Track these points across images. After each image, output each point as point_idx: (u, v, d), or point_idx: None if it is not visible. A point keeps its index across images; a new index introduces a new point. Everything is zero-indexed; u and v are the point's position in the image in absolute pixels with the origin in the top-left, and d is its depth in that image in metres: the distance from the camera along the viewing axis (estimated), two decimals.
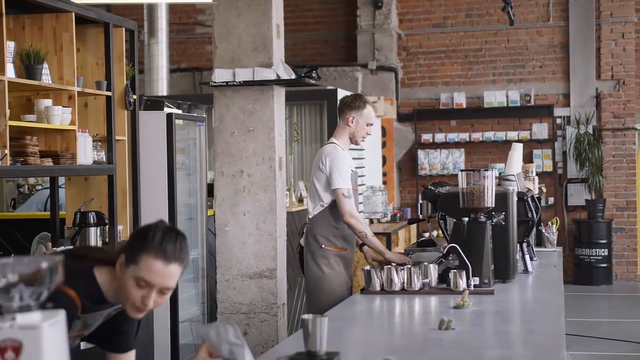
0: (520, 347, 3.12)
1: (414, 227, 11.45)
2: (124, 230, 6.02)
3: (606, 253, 12.13)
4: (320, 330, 2.66)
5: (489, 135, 12.62)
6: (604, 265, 12.14)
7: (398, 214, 10.70)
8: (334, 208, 5.07)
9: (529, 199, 4.99)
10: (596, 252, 12.11)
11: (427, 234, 11.03)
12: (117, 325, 2.79)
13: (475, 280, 4.21)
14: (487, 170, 4.40)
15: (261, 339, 5.51)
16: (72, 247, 5.21)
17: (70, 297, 2.57)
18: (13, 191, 9.12)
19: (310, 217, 5.16)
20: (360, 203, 9.56)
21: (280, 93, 5.62)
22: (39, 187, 8.70)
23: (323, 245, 5.07)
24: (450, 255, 4.34)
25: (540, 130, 12.52)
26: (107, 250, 2.76)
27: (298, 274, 7.61)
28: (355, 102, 5.20)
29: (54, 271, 1.86)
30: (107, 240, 5.71)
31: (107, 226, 5.73)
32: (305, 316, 2.65)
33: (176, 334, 6.40)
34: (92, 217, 5.47)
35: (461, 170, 4.43)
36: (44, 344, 1.76)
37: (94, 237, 5.58)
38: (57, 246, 5.08)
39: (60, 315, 1.83)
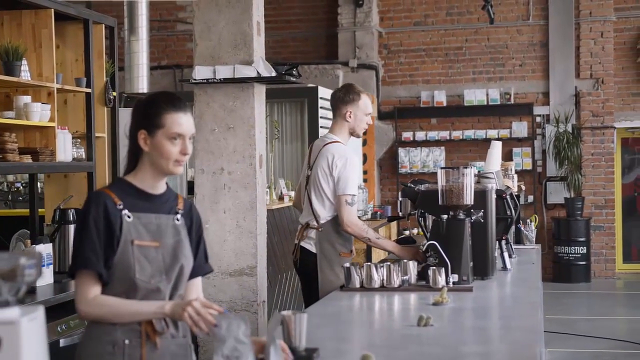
0: (497, 343, 3.14)
1: (394, 225, 11.50)
2: None
3: (585, 251, 12.22)
4: (300, 326, 2.69)
5: (469, 133, 12.67)
6: (583, 262, 12.23)
7: (379, 212, 10.74)
8: None
9: (508, 197, 5.02)
10: (575, 249, 12.19)
11: (407, 232, 11.08)
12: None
13: (454, 278, 4.23)
14: (467, 168, 4.42)
15: None
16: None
17: (101, 191, 2.87)
18: None
19: (321, 221, 4.89)
20: None
21: (260, 90, 5.61)
22: (18, 185, 8.65)
23: (341, 253, 4.91)
24: (431, 252, 4.35)
25: (520, 128, 12.59)
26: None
27: (278, 272, 7.62)
28: (349, 95, 4.97)
29: (32, 267, 1.86)
30: None
31: None
32: (285, 313, 2.67)
33: None
34: (71, 214, 5.44)
35: (441, 168, 4.46)
36: (23, 339, 1.76)
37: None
38: (36, 243, 5.05)
39: (39, 311, 1.83)
